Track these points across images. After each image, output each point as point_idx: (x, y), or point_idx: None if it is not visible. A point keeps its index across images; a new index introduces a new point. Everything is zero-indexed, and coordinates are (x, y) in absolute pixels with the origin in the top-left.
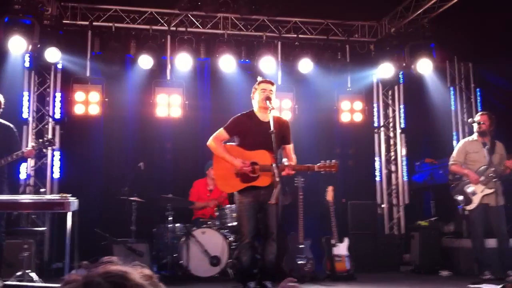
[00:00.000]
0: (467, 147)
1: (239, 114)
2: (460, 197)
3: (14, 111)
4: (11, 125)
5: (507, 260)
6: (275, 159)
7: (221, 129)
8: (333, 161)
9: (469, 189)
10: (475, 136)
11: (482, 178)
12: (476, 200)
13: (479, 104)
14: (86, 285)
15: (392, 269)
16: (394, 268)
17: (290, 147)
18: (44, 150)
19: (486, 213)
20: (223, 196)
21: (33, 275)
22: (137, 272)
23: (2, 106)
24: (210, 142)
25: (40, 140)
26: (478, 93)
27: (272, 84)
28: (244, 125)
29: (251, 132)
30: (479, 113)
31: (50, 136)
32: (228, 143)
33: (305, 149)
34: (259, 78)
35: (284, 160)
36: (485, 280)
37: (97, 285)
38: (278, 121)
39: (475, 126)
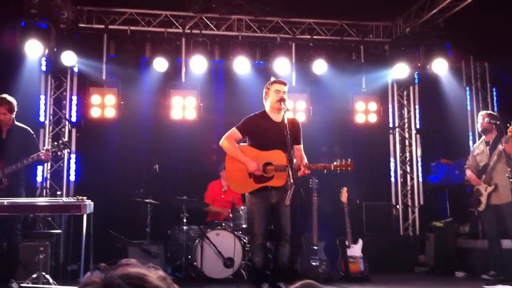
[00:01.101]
0: (474, 149)
1: (252, 114)
2: (473, 200)
3: (31, 114)
4: (29, 128)
5: None
6: (290, 160)
7: (234, 128)
8: (349, 160)
9: (476, 190)
10: (483, 137)
11: (483, 176)
12: (483, 200)
13: (495, 104)
14: (106, 287)
15: (407, 270)
16: (409, 269)
17: (300, 148)
18: (59, 153)
19: (498, 213)
20: (238, 197)
21: (49, 277)
22: (154, 274)
23: (16, 109)
24: (222, 141)
25: (55, 143)
26: (494, 93)
27: (285, 84)
28: (257, 125)
29: (264, 132)
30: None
31: (66, 139)
32: (241, 144)
33: (320, 150)
34: (272, 78)
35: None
36: (487, 280)
37: (116, 287)
38: (291, 122)
39: (478, 126)
